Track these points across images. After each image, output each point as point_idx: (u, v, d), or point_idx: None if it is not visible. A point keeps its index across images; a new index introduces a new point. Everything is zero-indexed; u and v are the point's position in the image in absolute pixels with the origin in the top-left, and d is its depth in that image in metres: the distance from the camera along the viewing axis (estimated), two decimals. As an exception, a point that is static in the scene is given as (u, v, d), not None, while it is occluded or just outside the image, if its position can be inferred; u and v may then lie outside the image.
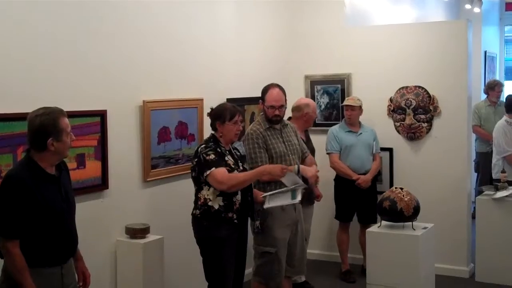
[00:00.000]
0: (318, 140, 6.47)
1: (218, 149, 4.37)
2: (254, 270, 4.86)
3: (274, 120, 4.85)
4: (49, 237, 3.31)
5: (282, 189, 4.54)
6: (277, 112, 4.82)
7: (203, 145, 4.43)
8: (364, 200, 6.31)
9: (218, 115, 4.48)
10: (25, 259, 3.24)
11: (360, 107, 6.42)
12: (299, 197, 4.55)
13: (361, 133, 6.42)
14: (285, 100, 4.94)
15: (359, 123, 6.51)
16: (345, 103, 6.49)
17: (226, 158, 4.39)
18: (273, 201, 4.51)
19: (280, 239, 4.74)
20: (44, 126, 3.26)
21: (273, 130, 4.87)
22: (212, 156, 4.29)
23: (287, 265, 4.87)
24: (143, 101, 5.02)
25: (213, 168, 4.25)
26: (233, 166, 4.38)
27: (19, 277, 3.20)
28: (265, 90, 4.92)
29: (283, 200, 4.54)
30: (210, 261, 4.37)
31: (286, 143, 4.87)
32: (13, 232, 3.20)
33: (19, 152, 3.93)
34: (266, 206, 4.49)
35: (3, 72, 3.98)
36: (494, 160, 7.12)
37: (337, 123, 6.67)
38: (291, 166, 4.69)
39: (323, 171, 5.89)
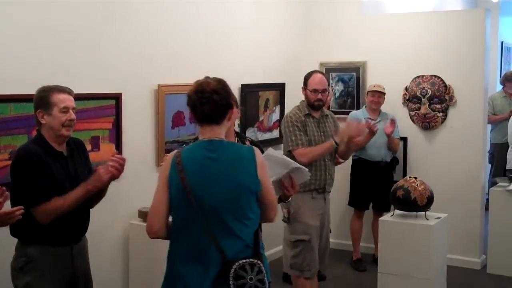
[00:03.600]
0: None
1: None
2: (289, 263, 4.74)
3: (316, 105, 4.76)
4: None
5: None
6: (319, 96, 4.73)
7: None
8: (381, 187, 6.27)
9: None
10: (33, 236, 3.27)
11: (385, 94, 6.41)
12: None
13: (379, 121, 6.38)
14: (328, 85, 4.88)
15: (380, 111, 6.49)
16: (372, 89, 6.46)
17: None
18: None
19: (313, 226, 4.69)
20: (37, 98, 3.34)
21: (312, 118, 4.77)
22: None
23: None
24: (158, 85, 5.01)
25: None
26: None
27: (73, 202, 3.26)
28: (308, 75, 4.85)
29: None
30: None
31: (322, 133, 4.77)
32: (37, 198, 3.22)
33: (34, 133, 3.94)
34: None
35: (19, 54, 4.00)
36: (509, 152, 7.06)
37: (350, 111, 6.64)
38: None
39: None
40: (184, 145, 5.22)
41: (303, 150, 4.61)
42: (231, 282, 2.70)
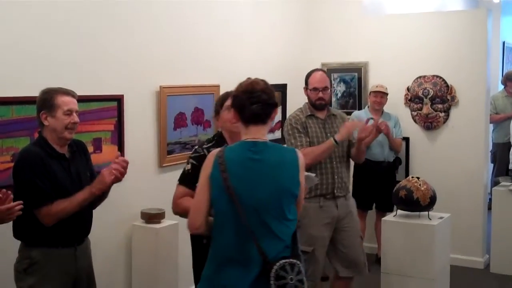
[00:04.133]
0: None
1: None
2: None
3: (318, 105, 4.55)
4: None
5: None
6: (320, 95, 4.52)
7: (199, 146, 3.62)
8: (384, 187, 6.26)
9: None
10: (37, 238, 3.28)
11: (387, 94, 6.41)
12: None
13: (382, 121, 6.37)
14: (330, 84, 4.62)
15: (382, 111, 6.49)
16: (375, 89, 6.46)
17: None
18: None
19: (318, 237, 4.47)
20: (40, 100, 3.34)
21: (315, 119, 4.57)
22: (188, 167, 3.48)
23: (341, 266, 4.64)
24: (160, 86, 5.02)
25: (177, 183, 3.53)
26: None
27: (77, 205, 3.28)
28: (309, 74, 4.67)
29: None
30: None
31: (328, 134, 4.51)
32: (40, 200, 3.22)
33: (36, 135, 3.94)
34: None
35: (21, 57, 4.00)
36: (511, 151, 7.05)
37: (352, 112, 6.64)
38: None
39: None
40: (188, 146, 5.27)
41: (304, 150, 4.31)
42: (272, 282, 2.72)
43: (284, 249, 2.83)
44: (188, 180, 3.39)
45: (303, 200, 3.06)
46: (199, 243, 3.34)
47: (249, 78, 3.01)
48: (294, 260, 2.78)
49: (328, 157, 4.47)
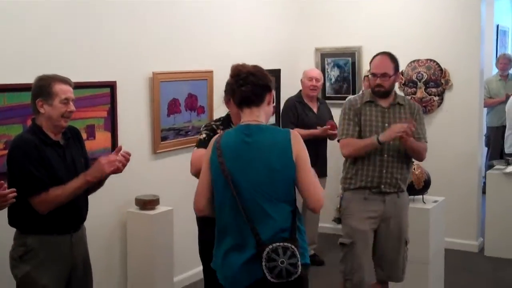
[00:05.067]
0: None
1: (219, 129, 3.63)
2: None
3: (376, 92, 4.10)
4: None
5: None
6: (378, 81, 4.06)
7: (208, 122, 3.93)
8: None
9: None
10: (32, 225, 3.27)
11: None
12: None
13: None
14: (394, 68, 4.11)
15: None
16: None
17: None
18: None
19: (358, 230, 4.09)
20: (37, 87, 3.31)
21: (375, 107, 4.11)
22: (203, 136, 3.65)
23: (377, 266, 4.27)
24: (153, 72, 5.00)
25: (195, 148, 3.67)
26: None
27: (71, 192, 3.27)
28: (372, 59, 4.20)
29: None
30: None
31: (386, 125, 4.05)
32: (35, 187, 3.21)
33: (29, 122, 3.92)
34: None
35: (13, 43, 3.98)
36: (507, 134, 7.07)
37: (346, 97, 6.61)
38: None
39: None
40: (181, 132, 5.26)
41: (346, 140, 4.06)
42: (263, 263, 2.75)
43: (279, 231, 2.83)
44: (206, 145, 3.29)
45: (315, 191, 2.93)
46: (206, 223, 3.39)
47: (242, 64, 3.03)
48: (288, 244, 2.78)
49: (377, 149, 4.05)
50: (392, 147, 4.06)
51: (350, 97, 4.31)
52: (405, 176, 4.19)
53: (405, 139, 3.95)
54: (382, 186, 4.09)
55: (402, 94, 6.62)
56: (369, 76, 4.19)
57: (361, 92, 4.22)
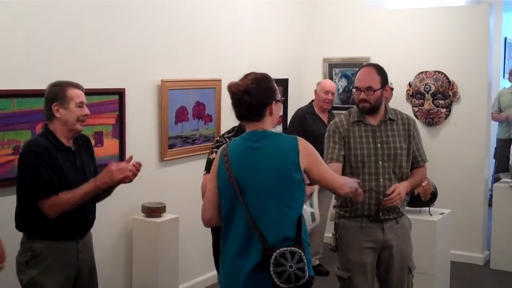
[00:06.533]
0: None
1: None
2: None
3: (361, 108, 3.71)
4: None
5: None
6: (363, 96, 3.67)
7: (220, 136, 3.78)
8: None
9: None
10: (40, 230, 3.29)
11: (392, 90, 6.40)
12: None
13: None
14: (381, 81, 3.72)
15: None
16: None
17: None
18: None
19: (355, 263, 3.73)
20: (51, 92, 3.35)
21: (363, 126, 3.74)
22: (213, 156, 3.47)
23: None
24: (161, 80, 5.01)
25: (204, 172, 3.60)
26: None
27: (80, 197, 3.28)
28: (356, 72, 3.88)
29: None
30: None
31: (378, 145, 3.71)
32: (45, 191, 3.23)
33: (38, 128, 3.95)
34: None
35: (22, 49, 4.01)
36: (512, 147, 7.06)
37: (352, 107, 6.62)
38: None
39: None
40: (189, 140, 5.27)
41: (330, 165, 3.52)
42: (271, 269, 2.74)
43: (285, 236, 2.83)
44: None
45: (341, 180, 3.10)
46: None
47: (245, 75, 2.99)
48: (296, 248, 2.77)
49: (372, 173, 3.70)
50: (389, 170, 3.71)
51: (336, 118, 3.90)
52: (405, 199, 3.82)
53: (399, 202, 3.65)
54: (381, 214, 3.71)
55: (409, 105, 6.65)
56: (353, 90, 3.82)
57: (348, 111, 3.91)
